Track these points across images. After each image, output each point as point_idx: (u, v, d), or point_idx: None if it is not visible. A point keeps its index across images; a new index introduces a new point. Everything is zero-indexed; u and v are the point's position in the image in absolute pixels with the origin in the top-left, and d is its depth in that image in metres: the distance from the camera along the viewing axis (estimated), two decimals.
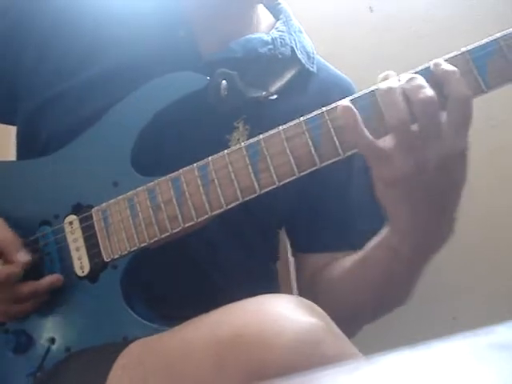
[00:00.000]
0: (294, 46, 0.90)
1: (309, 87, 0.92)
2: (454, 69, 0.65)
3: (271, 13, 0.96)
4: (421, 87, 0.64)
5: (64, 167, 0.82)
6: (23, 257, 0.78)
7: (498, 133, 1.25)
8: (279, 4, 0.97)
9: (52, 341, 0.79)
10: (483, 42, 0.65)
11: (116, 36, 0.85)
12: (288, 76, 0.89)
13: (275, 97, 0.86)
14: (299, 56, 0.90)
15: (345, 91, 0.90)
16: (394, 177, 0.66)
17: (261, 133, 0.71)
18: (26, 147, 0.91)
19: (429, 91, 0.64)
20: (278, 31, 0.91)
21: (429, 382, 0.28)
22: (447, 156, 0.64)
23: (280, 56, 0.88)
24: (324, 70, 0.96)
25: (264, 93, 0.85)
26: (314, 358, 0.55)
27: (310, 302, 0.63)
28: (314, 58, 0.94)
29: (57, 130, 0.85)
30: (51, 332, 0.79)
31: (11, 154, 0.98)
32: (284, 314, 0.59)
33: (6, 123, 0.97)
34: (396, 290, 0.81)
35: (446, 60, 0.66)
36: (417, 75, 0.65)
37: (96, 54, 0.85)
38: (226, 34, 0.87)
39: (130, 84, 0.81)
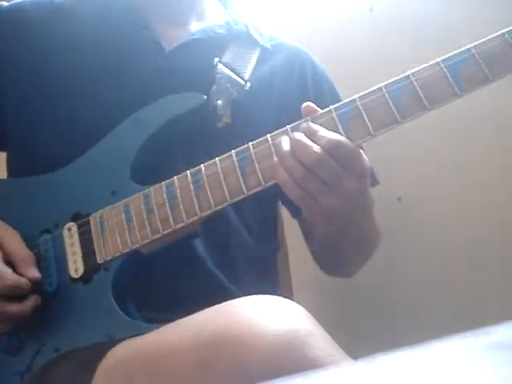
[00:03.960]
0: (248, 24, 0.96)
1: (273, 65, 0.96)
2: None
3: (221, 3, 1.03)
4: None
5: (65, 183, 0.85)
6: (34, 273, 0.79)
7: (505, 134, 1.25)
8: None
9: (42, 342, 0.79)
10: (457, 51, 0.70)
11: (89, 44, 0.90)
12: (253, 60, 0.93)
13: (249, 86, 0.89)
14: (252, 33, 0.95)
15: (304, 61, 0.97)
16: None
17: (250, 141, 0.74)
18: (22, 169, 0.91)
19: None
20: (229, 15, 0.98)
21: (429, 382, 0.28)
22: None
23: (236, 34, 0.94)
24: (280, 44, 1.00)
25: (243, 83, 0.89)
26: (295, 360, 0.55)
27: (294, 304, 0.63)
28: (265, 35, 0.98)
29: (53, 148, 0.87)
30: (42, 333, 0.80)
31: None
32: (266, 316, 0.60)
33: None
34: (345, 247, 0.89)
35: (421, 69, 0.69)
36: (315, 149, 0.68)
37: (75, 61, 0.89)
38: (183, 29, 0.94)
39: (112, 83, 0.86)
